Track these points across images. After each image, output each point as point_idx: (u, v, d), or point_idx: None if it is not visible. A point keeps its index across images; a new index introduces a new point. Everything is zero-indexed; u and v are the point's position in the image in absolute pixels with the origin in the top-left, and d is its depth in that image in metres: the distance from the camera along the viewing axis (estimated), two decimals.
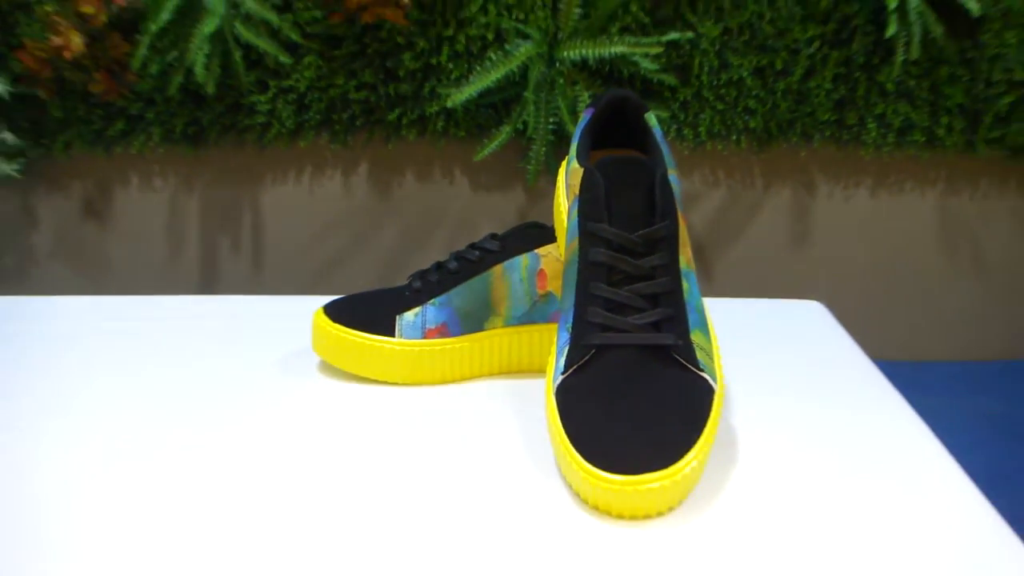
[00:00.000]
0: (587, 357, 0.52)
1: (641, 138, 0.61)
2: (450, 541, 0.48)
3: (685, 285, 0.52)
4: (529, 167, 1.34)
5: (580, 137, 0.60)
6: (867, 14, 1.33)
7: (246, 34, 1.29)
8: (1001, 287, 1.48)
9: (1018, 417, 1.32)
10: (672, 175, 0.56)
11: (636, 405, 0.49)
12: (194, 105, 1.39)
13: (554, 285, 0.69)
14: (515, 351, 0.70)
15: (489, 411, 0.63)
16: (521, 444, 0.58)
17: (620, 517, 0.48)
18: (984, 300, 1.48)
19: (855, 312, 1.44)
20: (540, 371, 0.70)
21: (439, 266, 0.72)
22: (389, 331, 0.69)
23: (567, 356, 0.53)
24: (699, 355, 0.51)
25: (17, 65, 1.30)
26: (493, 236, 0.73)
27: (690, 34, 1.32)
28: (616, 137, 0.63)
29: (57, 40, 1.25)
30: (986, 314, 1.49)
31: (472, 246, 0.72)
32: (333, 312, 0.71)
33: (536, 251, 0.70)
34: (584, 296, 0.53)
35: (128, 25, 1.31)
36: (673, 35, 1.30)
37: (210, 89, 1.31)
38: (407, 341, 0.69)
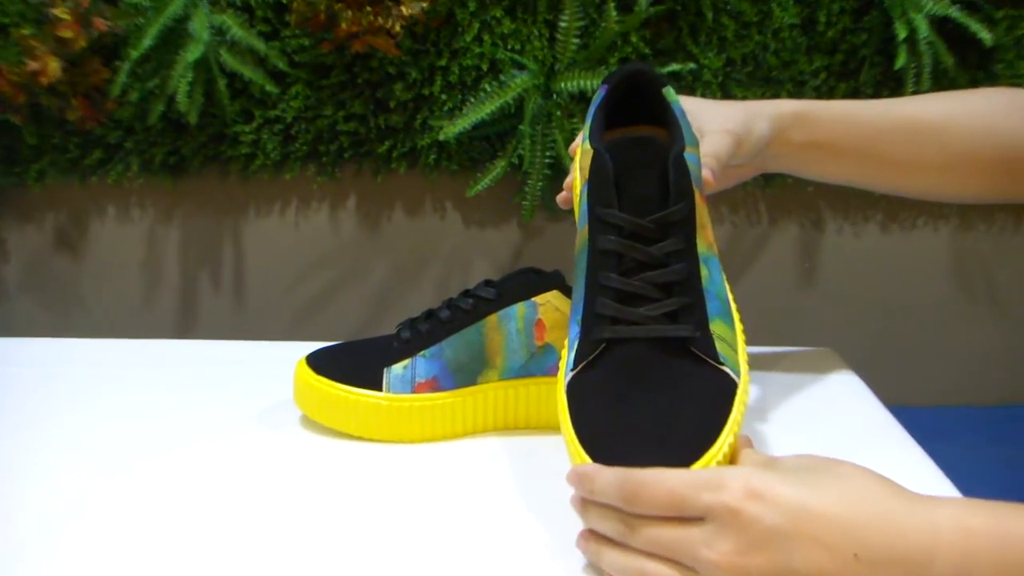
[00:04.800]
0: (597, 352, 0.51)
1: (660, 115, 0.60)
2: None
3: (705, 271, 0.50)
4: (525, 203, 1.33)
5: (593, 116, 0.58)
6: (875, 44, 1.33)
7: (231, 62, 1.28)
8: (1021, 327, 1.47)
9: None
10: (690, 153, 0.54)
11: (650, 403, 0.48)
12: (175, 134, 1.38)
13: (553, 336, 0.68)
14: (511, 407, 0.69)
15: (483, 472, 0.62)
16: (518, 508, 0.56)
17: None
18: (1003, 341, 1.47)
19: (867, 355, 1.43)
20: (538, 428, 0.69)
21: (430, 314, 0.71)
22: (376, 384, 0.67)
23: (577, 351, 0.52)
24: (719, 347, 0.49)
25: None
26: (488, 283, 0.72)
27: (692, 65, 1.32)
28: (633, 115, 0.62)
29: (33, 65, 1.25)
30: (1006, 356, 1.48)
31: (466, 293, 0.71)
32: (316, 363, 0.70)
33: (534, 299, 0.69)
34: (593, 287, 0.51)
35: (108, 51, 1.30)
36: (674, 66, 1.30)
37: (192, 118, 1.30)
38: (395, 396, 0.67)
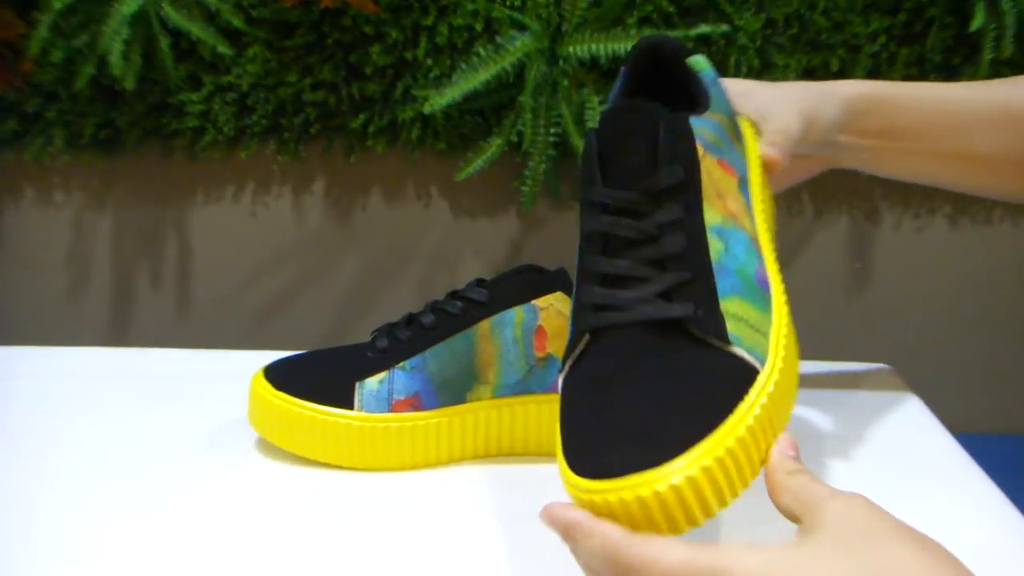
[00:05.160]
0: (583, 346, 0.52)
1: (688, 90, 0.61)
2: None
3: (718, 245, 0.51)
4: (525, 188, 1.34)
5: (612, 103, 0.60)
6: (946, 2, 1.34)
7: (175, 17, 1.29)
8: None
9: None
10: (710, 119, 0.55)
11: (636, 394, 0.48)
12: (108, 103, 1.39)
13: (555, 346, 0.69)
14: (505, 429, 0.69)
15: (472, 506, 0.62)
16: (513, 551, 0.57)
17: None
18: None
19: (930, 374, 1.43)
20: (538, 454, 0.69)
21: (411, 319, 0.71)
22: (347, 402, 0.68)
23: (566, 349, 0.53)
24: (733, 327, 0.49)
25: None
26: (480, 283, 0.72)
27: (725, 27, 1.32)
28: (658, 94, 0.62)
29: None
30: None
31: (453, 295, 0.72)
32: (276, 376, 0.70)
33: (534, 303, 0.70)
34: (580, 275, 0.53)
35: (24, 0, 1.31)
36: (704, 28, 1.31)
37: (129, 84, 1.30)
38: (369, 415, 0.68)
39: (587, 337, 0.51)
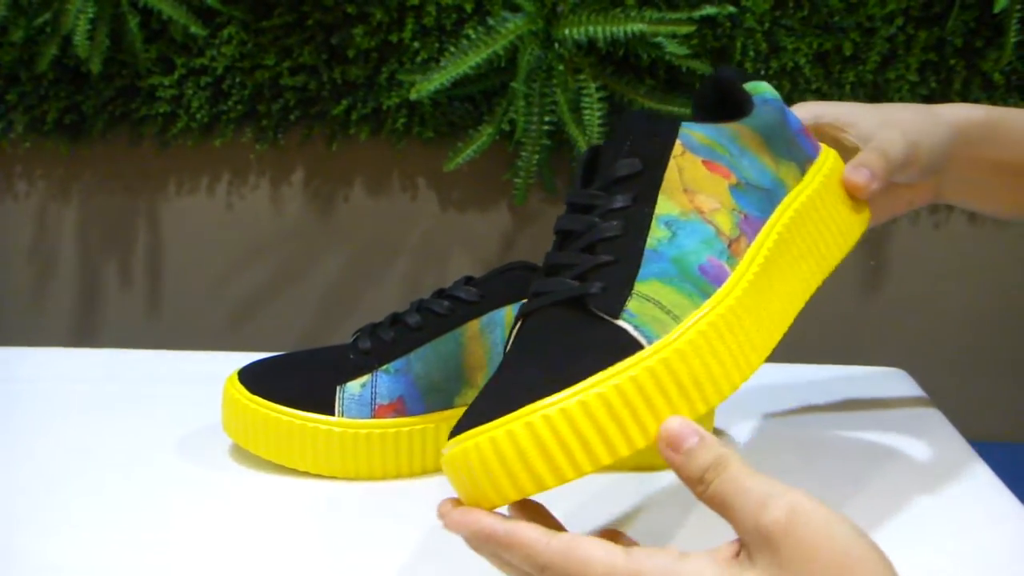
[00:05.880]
0: (513, 333, 0.54)
1: (744, 112, 0.63)
2: None
3: (663, 232, 0.54)
4: (517, 180, 1.34)
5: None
6: None
7: None
8: None
9: None
10: (717, 127, 0.58)
11: (511, 367, 0.51)
12: (73, 86, 1.39)
13: None
14: None
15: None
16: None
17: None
18: None
19: (947, 378, 1.44)
20: None
21: (395, 319, 0.72)
22: (327, 407, 0.68)
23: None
24: (635, 305, 0.51)
25: None
26: (469, 281, 0.72)
27: (731, 8, 1.32)
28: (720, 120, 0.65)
29: None
30: None
31: (440, 294, 0.72)
32: (251, 379, 0.71)
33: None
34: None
35: None
36: (709, 9, 1.31)
37: (95, 66, 1.30)
38: (351, 421, 0.68)
39: (518, 324, 0.54)
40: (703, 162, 0.57)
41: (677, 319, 0.51)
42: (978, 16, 1.35)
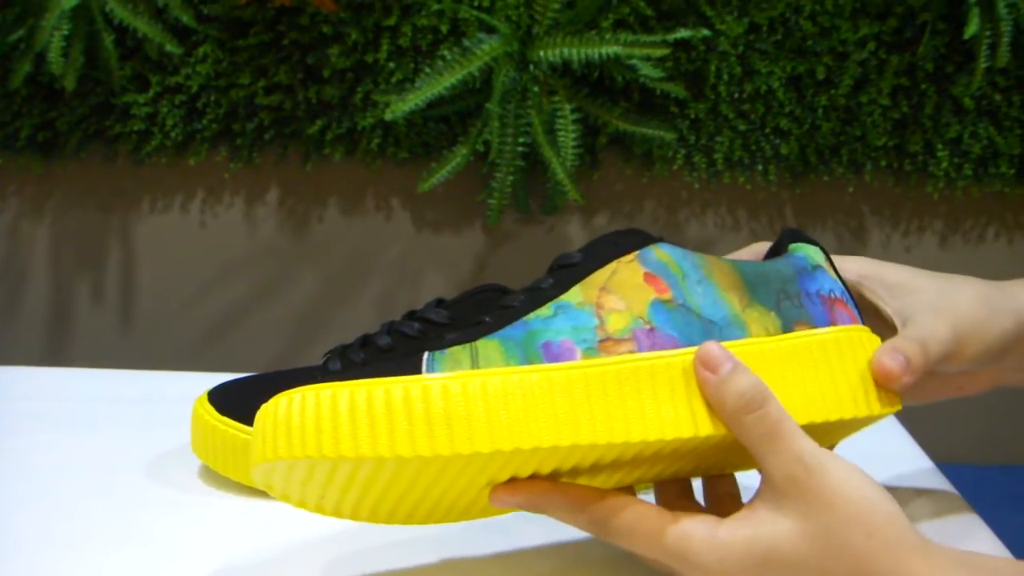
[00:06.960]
0: None
1: None
2: None
3: (546, 311, 0.54)
4: (491, 201, 1.34)
5: None
6: (939, 8, 1.35)
7: (120, 12, 1.28)
8: None
9: None
10: (695, 256, 0.59)
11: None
12: (46, 103, 1.38)
13: None
14: None
15: (438, 546, 0.63)
16: None
17: None
18: None
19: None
20: None
21: (366, 341, 0.72)
22: None
23: None
24: (455, 350, 0.53)
25: None
26: (440, 303, 0.72)
27: (705, 31, 1.33)
28: None
29: None
30: None
31: (411, 315, 0.72)
32: (221, 400, 0.70)
33: None
34: None
35: None
36: (683, 32, 1.32)
37: (69, 83, 1.30)
38: None
39: None
40: (644, 274, 0.57)
41: (476, 367, 0.52)
42: (949, 42, 1.36)
